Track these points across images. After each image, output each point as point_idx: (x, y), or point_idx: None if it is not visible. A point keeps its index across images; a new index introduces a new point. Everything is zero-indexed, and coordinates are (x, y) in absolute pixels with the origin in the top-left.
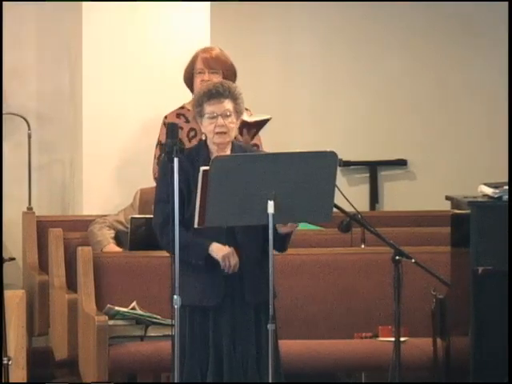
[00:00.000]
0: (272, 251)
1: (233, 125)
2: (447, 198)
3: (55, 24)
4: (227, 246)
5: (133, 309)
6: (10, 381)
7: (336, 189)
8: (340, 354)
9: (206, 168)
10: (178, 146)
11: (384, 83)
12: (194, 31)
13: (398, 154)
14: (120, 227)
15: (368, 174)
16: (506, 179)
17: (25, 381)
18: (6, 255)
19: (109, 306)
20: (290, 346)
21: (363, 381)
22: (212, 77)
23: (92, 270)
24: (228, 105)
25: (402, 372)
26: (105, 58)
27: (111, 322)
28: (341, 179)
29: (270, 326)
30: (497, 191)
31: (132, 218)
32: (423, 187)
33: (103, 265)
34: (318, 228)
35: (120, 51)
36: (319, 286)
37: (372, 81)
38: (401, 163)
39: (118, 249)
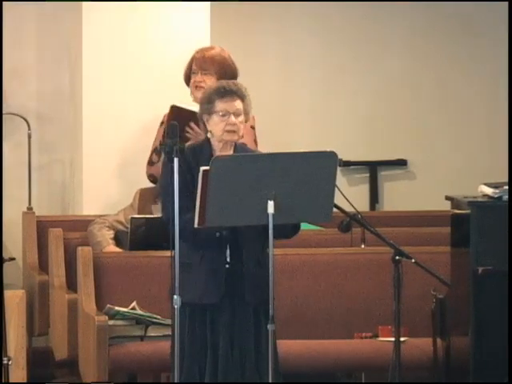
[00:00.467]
0: (272, 251)
1: (242, 125)
2: (447, 198)
3: (55, 24)
4: None
5: (133, 309)
6: (10, 381)
7: (336, 189)
8: (340, 354)
9: (206, 168)
10: (177, 146)
11: (384, 83)
12: (194, 31)
13: (398, 154)
14: (120, 227)
15: (368, 174)
16: (506, 179)
17: (25, 381)
18: (6, 255)
19: (109, 306)
20: (289, 346)
21: (363, 381)
22: (205, 78)
23: (92, 270)
24: (239, 104)
25: (402, 372)
26: (105, 58)
27: (111, 322)
28: (341, 179)
29: (270, 327)
30: (497, 191)
31: (132, 218)
32: (423, 187)
33: (103, 265)
34: (318, 228)
35: (120, 51)
36: (319, 286)
37: (372, 81)
38: (401, 163)
39: (117, 249)
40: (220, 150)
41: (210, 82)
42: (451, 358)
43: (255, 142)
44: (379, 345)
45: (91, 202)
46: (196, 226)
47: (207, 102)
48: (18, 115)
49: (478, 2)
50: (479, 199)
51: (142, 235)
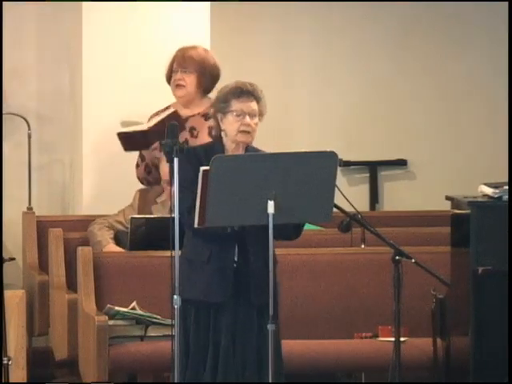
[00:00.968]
0: (272, 251)
1: (256, 126)
2: (447, 198)
3: (55, 24)
4: None
5: (133, 309)
6: (10, 381)
7: (336, 189)
8: (340, 354)
9: (206, 168)
10: (177, 146)
11: (384, 83)
12: (193, 31)
13: (398, 154)
14: (120, 227)
15: (368, 174)
16: (506, 179)
17: (25, 381)
18: (5, 255)
19: (109, 305)
20: (290, 346)
21: (363, 381)
22: (184, 76)
23: (92, 270)
24: (255, 105)
25: (402, 372)
26: (105, 58)
27: (111, 322)
28: (341, 179)
29: (270, 326)
30: (497, 191)
31: (132, 218)
32: (423, 187)
33: (103, 265)
34: (318, 228)
35: (120, 51)
36: (319, 286)
37: (372, 81)
38: (401, 163)
39: (118, 249)
40: (232, 150)
41: (189, 80)
42: (451, 358)
43: None
44: (379, 345)
45: (91, 202)
46: (196, 226)
47: (223, 101)
48: (17, 115)
49: (478, 2)
50: (479, 199)
51: (142, 235)
